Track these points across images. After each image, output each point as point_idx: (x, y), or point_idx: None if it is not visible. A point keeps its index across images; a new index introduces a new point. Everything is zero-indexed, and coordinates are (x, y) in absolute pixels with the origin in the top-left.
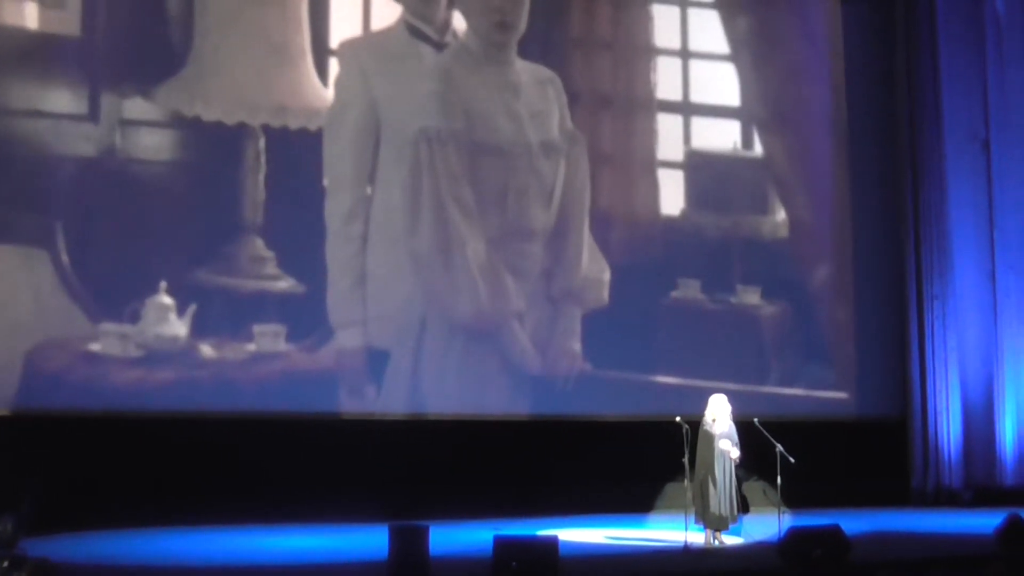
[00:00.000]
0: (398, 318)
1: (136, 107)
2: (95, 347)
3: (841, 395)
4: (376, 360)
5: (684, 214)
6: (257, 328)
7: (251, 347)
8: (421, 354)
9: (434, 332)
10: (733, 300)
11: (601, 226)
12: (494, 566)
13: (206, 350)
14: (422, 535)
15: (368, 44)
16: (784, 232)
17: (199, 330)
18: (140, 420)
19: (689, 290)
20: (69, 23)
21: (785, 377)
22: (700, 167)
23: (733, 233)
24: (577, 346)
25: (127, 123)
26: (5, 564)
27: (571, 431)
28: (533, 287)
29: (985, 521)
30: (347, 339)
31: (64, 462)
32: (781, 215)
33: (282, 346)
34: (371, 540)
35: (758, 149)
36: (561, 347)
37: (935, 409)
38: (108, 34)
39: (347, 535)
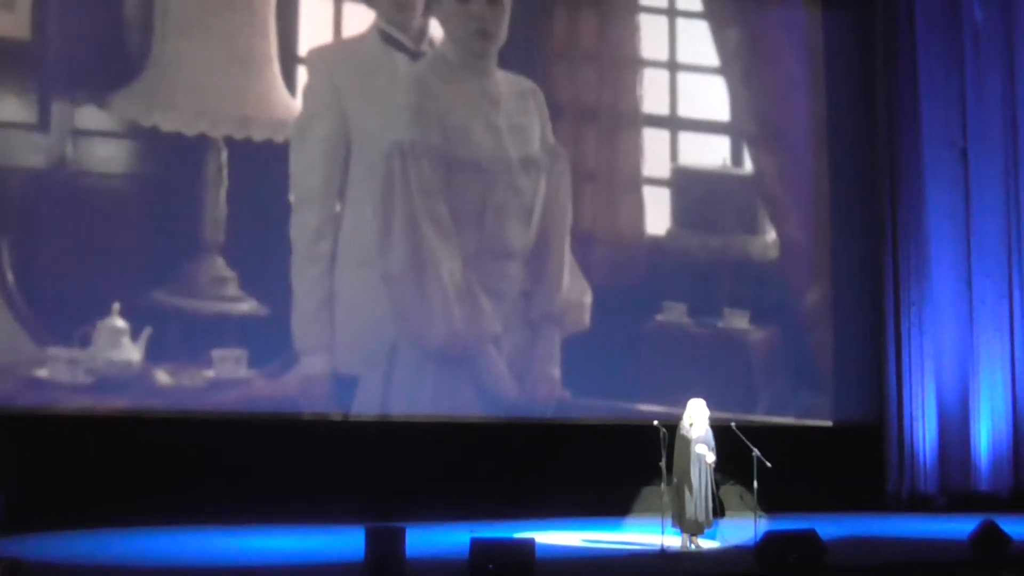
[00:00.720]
0: (368, 342)
1: (89, 116)
2: (42, 373)
3: (829, 424)
4: (344, 387)
5: (670, 234)
6: (217, 353)
7: (210, 373)
8: (392, 380)
9: (406, 357)
10: (720, 324)
11: (583, 246)
12: (471, 568)
13: (162, 376)
14: (399, 537)
15: (339, 52)
16: (774, 253)
17: (154, 355)
18: (114, 419)
19: (674, 313)
20: (18, 25)
21: (774, 405)
22: (687, 185)
23: (721, 254)
24: (556, 372)
25: (79, 133)
26: None
27: (549, 434)
28: (511, 309)
29: (960, 526)
30: (313, 365)
31: (36, 462)
32: (771, 235)
33: (243, 372)
34: (348, 541)
35: (748, 166)
36: (540, 373)
37: (911, 415)
38: (60, 38)
39: (324, 536)
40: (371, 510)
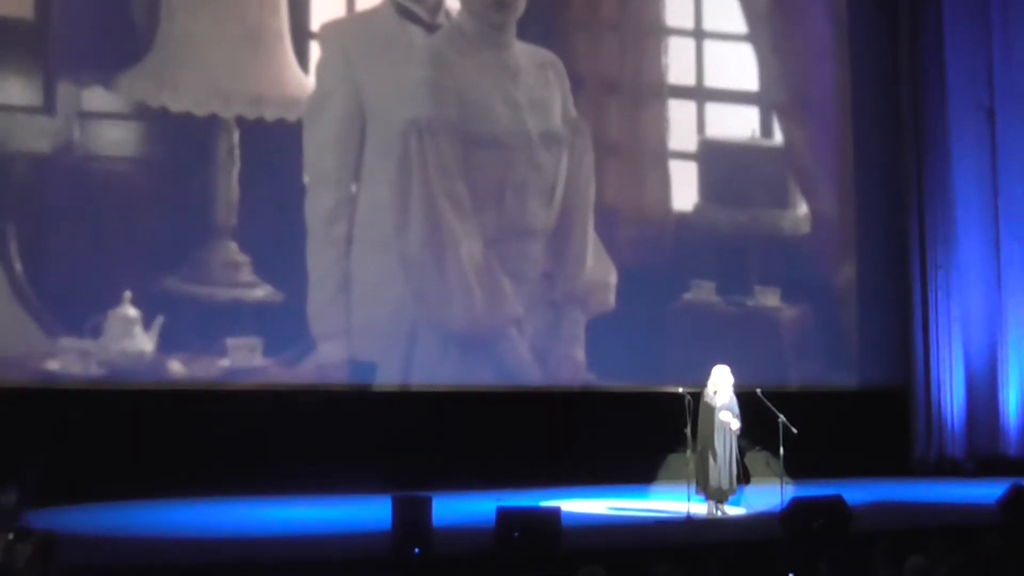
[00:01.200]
0: (386, 327)
1: (96, 97)
2: (53, 365)
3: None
4: (362, 373)
5: (697, 209)
6: (231, 341)
7: (225, 362)
8: (412, 366)
9: (426, 342)
10: (750, 302)
11: (607, 223)
12: (496, 536)
13: (175, 366)
14: (425, 506)
15: (352, 26)
16: (806, 227)
17: (167, 344)
18: (145, 392)
19: (703, 292)
20: (21, 4)
21: (806, 385)
22: (715, 158)
23: (750, 229)
24: (581, 354)
25: (86, 115)
26: (10, 536)
27: (574, 402)
28: (533, 291)
29: (988, 491)
30: (330, 351)
31: (67, 435)
32: (803, 209)
33: (259, 360)
34: (375, 511)
35: (778, 137)
36: (563, 356)
37: (938, 379)
38: (65, 16)
39: (351, 506)
40: (398, 480)
